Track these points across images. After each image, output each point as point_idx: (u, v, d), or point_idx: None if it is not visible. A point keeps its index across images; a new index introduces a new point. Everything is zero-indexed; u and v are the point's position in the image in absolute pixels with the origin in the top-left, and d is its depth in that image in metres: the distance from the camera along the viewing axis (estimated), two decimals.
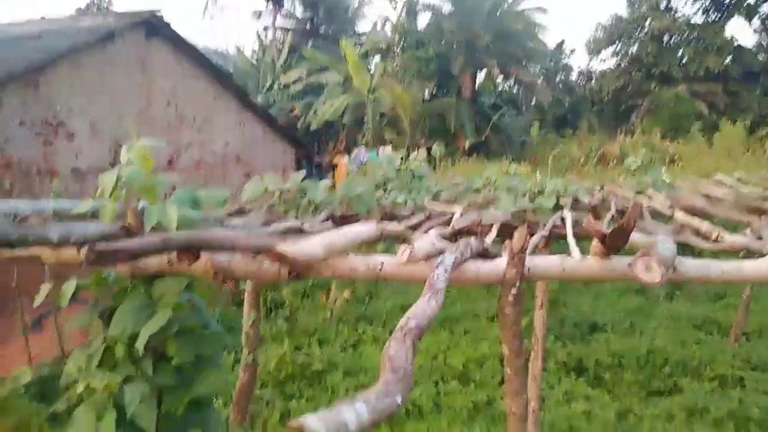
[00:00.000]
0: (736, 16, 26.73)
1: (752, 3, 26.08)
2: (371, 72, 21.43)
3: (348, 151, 19.48)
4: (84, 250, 1.37)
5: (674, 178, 7.38)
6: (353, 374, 5.23)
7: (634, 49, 28.21)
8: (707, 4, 27.82)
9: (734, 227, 3.08)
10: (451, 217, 3.64)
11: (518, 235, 1.66)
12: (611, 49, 29.71)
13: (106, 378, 1.89)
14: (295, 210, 3.94)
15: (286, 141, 12.74)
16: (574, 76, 32.82)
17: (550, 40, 31.68)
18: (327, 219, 3.45)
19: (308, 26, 29.60)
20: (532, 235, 2.74)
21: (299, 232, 2.43)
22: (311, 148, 19.08)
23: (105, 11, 8.73)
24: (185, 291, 1.89)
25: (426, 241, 1.76)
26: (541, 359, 3.91)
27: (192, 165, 9.39)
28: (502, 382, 5.00)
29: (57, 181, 6.29)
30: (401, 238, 2.33)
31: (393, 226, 2.13)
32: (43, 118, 6.97)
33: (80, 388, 1.94)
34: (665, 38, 27.53)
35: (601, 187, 6.59)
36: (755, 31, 27.49)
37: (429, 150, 15.10)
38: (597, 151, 19.00)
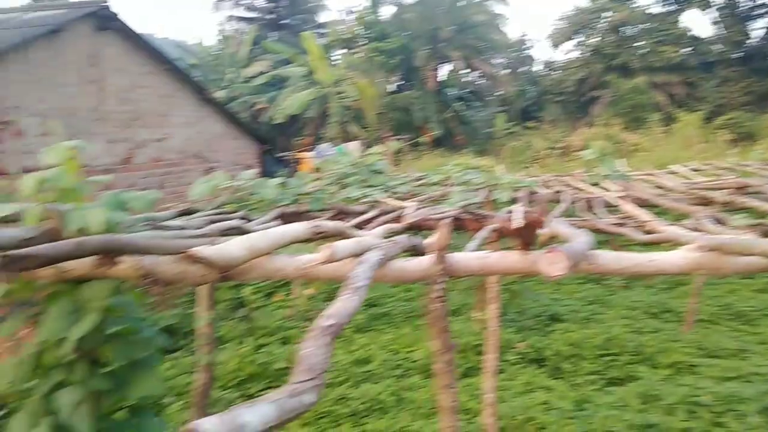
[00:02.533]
0: (692, 7, 27.39)
1: None
2: (335, 64, 21.31)
3: (313, 146, 19.36)
4: None
5: (633, 169, 7.53)
6: None
7: (595, 40, 28.69)
8: None
9: (683, 218, 3.15)
10: (402, 213, 3.64)
11: (441, 232, 1.67)
12: (574, 40, 30.19)
13: (38, 385, 1.84)
14: (245, 208, 3.89)
15: (249, 136, 12.59)
16: (537, 68, 33.27)
17: (512, 32, 32.02)
18: (277, 217, 3.42)
19: (270, 17, 29.26)
20: (480, 228, 2.76)
21: (240, 231, 2.39)
22: (275, 143, 18.87)
23: (54, 3, 8.43)
24: (118, 295, 1.85)
25: (351, 240, 1.76)
26: (497, 352, 3.95)
27: (149, 163, 9.19)
28: (464, 375, 5.05)
29: (6, 182, 6.07)
30: (342, 237, 2.32)
31: (330, 225, 2.11)
32: None
33: (12, 397, 1.89)
34: (625, 29, 28.06)
35: (558, 180, 6.70)
36: (713, 22, 28.24)
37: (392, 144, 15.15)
38: (560, 142, 19.28)
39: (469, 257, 1.74)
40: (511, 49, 31.45)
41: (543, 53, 74.00)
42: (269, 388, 4.94)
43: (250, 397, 4.83)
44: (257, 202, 3.90)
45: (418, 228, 3.28)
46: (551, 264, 1.36)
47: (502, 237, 3.33)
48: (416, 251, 1.79)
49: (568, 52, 30.85)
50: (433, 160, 16.44)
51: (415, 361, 5.36)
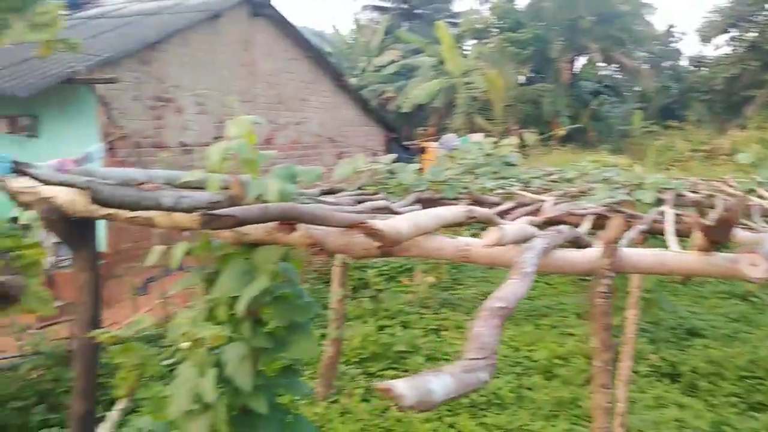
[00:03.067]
0: None
1: None
2: (465, 55, 21.13)
3: (437, 135, 19.39)
4: (197, 215, 1.47)
5: None
6: (435, 359, 5.26)
7: (752, 35, 25.94)
8: None
9: None
10: (541, 206, 3.55)
11: (614, 223, 1.61)
12: (727, 35, 27.52)
13: (211, 333, 2.02)
14: (383, 191, 4.00)
15: (378, 123, 12.88)
16: (683, 63, 30.76)
17: (659, 24, 29.85)
18: (415, 201, 3.48)
19: (405, 7, 29.55)
20: (628, 228, 2.64)
21: (388, 211, 2.47)
22: (401, 131, 19.14)
23: None
24: (281, 262, 1.99)
25: (516, 225, 1.74)
26: (631, 360, 3.77)
27: (288, 144, 9.71)
28: (588, 381, 4.86)
29: (166, 154, 6.72)
30: (489, 223, 2.32)
31: (481, 211, 2.11)
32: (154, 94, 7.45)
33: (184, 344, 2.10)
34: None
35: (707, 184, 6.17)
36: None
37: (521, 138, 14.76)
38: (704, 145, 17.74)
39: (642, 254, 1.66)
40: (655, 42, 29.35)
41: (690, 48, 68.25)
42: (390, 368, 5.06)
43: (371, 375, 4.99)
44: (395, 186, 3.99)
45: (557, 223, 3.19)
46: (752, 266, 1.27)
47: (650, 237, 3.16)
48: (578, 243, 1.74)
49: (720, 47, 28.20)
50: (563, 156, 15.82)
51: (535, 361, 5.24)
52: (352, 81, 21.90)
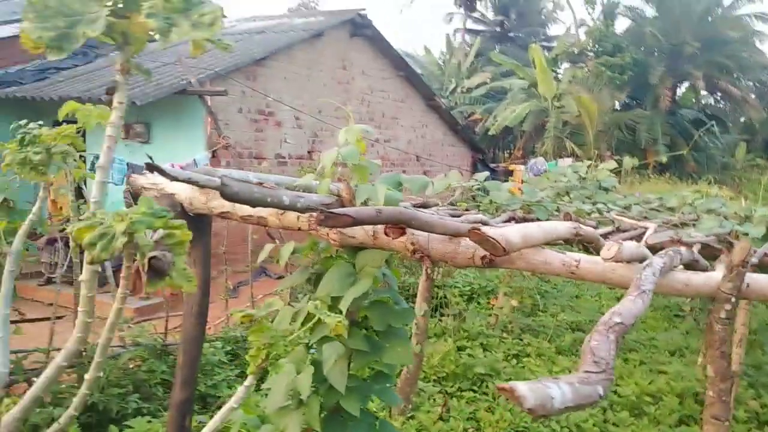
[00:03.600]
0: None
1: None
2: (558, 78, 20.74)
3: (525, 158, 19.08)
4: (312, 215, 1.55)
5: None
6: None
7: None
8: None
9: None
10: (643, 233, 3.43)
11: (740, 247, 1.54)
12: None
13: (332, 320, 2.09)
14: (475, 208, 4.00)
15: (465, 144, 12.88)
16: None
17: None
18: (508, 220, 3.46)
19: (498, 30, 29.49)
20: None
21: (485, 225, 2.49)
22: (488, 153, 19.01)
23: (313, 10, 9.65)
24: (382, 268, 2.05)
25: (633, 244, 1.71)
26: (732, 400, 3.52)
27: (377, 160, 9.91)
28: (680, 422, 4.59)
29: (265, 164, 7.05)
30: (594, 244, 2.27)
31: (588, 230, 2.08)
32: (257, 108, 7.86)
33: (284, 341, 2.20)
34: None
35: None
36: None
37: (618, 163, 14.21)
38: None
39: None
40: (765, 71, 27.52)
41: None
42: (469, 390, 4.99)
43: (449, 394, 4.95)
44: (487, 204, 3.98)
45: (659, 250, 3.07)
46: None
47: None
48: (696, 267, 1.68)
49: None
50: (659, 185, 15.13)
51: (622, 396, 5.00)
52: (443, 102, 22.11)
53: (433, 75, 26.20)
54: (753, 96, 26.26)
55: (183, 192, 2.21)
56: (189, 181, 1.96)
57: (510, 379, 5.22)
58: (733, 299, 1.55)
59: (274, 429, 2.12)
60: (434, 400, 4.76)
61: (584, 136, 19.97)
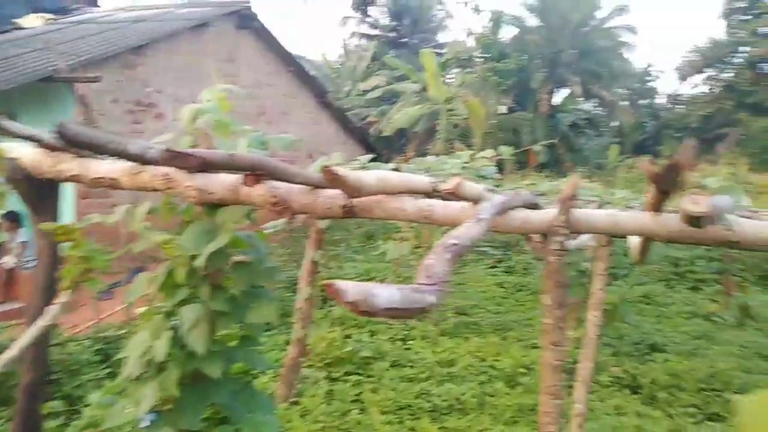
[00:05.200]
0: None
1: None
2: (449, 83, 21.52)
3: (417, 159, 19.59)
4: (162, 155, 1.52)
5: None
6: (400, 366, 5.28)
7: (728, 75, 26.90)
8: None
9: None
10: None
11: (570, 182, 1.69)
12: (704, 74, 28.48)
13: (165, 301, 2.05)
14: None
15: (358, 143, 13.01)
16: (659, 100, 31.67)
17: (637, 61, 30.79)
18: None
19: (393, 35, 30.10)
20: None
21: None
22: (382, 153, 19.32)
23: (203, 1, 9.40)
24: (246, 231, 2.04)
25: (480, 186, 1.82)
26: (591, 362, 3.83)
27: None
28: None
29: None
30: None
31: (446, 186, 2.19)
32: (135, 98, 7.48)
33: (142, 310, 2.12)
34: (763, 66, 26.08)
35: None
36: None
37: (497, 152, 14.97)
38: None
39: (597, 213, 1.75)
40: (634, 80, 30.22)
41: (667, 85, 70.17)
42: (354, 374, 5.06)
43: (335, 379, 4.98)
44: None
45: None
46: (694, 204, 1.35)
47: None
48: (537, 209, 1.83)
49: (696, 86, 29.16)
50: (538, 180, 16.06)
51: (500, 369, 5.28)
52: (338, 104, 22.20)
53: (330, 78, 26.27)
54: (624, 102, 28.72)
55: (27, 155, 2.07)
56: (31, 138, 1.84)
57: (396, 361, 5.35)
58: (564, 232, 1.70)
59: (129, 401, 2.03)
60: (319, 385, 4.77)
61: (473, 138, 20.85)
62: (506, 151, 9.27)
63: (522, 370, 5.20)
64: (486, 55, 23.47)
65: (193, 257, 1.91)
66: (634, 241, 2.48)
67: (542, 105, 22.85)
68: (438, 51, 28.49)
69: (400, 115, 21.09)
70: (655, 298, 7.93)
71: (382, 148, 22.08)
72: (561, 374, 1.77)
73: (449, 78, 24.13)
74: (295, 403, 4.44)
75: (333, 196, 1.80)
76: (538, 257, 9.74)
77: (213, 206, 1.96)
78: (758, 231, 1.56)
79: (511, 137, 22.10)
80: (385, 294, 0.91)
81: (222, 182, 1.84)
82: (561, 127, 23.05)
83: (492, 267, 9.49)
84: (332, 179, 1.53)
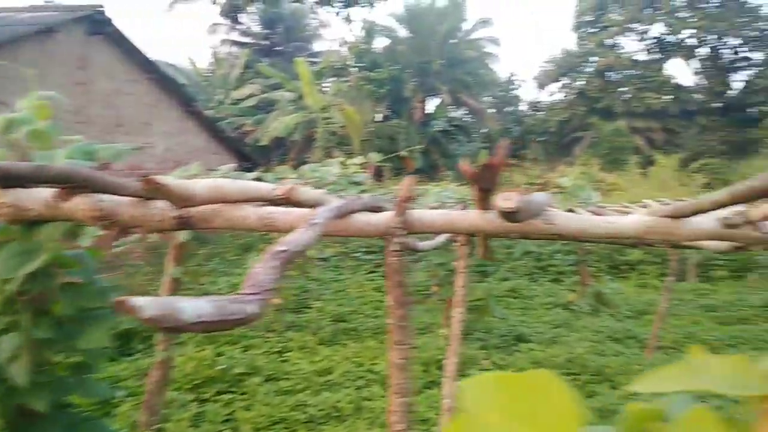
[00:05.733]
0: (676, 56, 28.36)
1: (690, 45, 27.78)
2: (325, 91, 21.61)
3: (296, 167, 19.45)
4: None
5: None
6: (275, 379, 5.16)
7: (580, 83, 29.47)
8: (650, 43, 29.44)
9: None
10: None
11: (405, 184, 1.72)
12: (560, 83, 30.99)
13: None
14: None
15: (231, 153, 12.63)
16: (523, 107, 33.99)
17: (502, 71, 32.76)
18: None
19: (266, 43, 29.68)
20: None
21: None
22: (259, 162, 18.94)
23: (51, 5, 8.64)
24: (74, 249, 1.87)
25: (318, 192, 1.81)
26: (456, 357, 3.98)
27: (127, 170, 9.18)
28: (425, 387, 5.04)
29: None
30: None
31: (279, 190, 2.16)
32: None
33: None
34: (610, 74, 28.88)
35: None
36: (695, 72, 29.20)
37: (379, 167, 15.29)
38: (539, 178, 19.62)
39: (432, 213, 1.79)
40: (499, 88, 32.18)
41: (529, 94, 75.51)
42: (227, 392, 4.86)
43: (204, 400, 4.76)
44: None
45: None
46: (505, 200, 1.41)
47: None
48: (381, 211, 1.84)
49: (553, 93, 31.65)
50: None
51: (377, 373, 5.34)
52: (209, 113, 21.43)
53: (200, 86, 25.38)
54: (492, 110, 30.49)
55: None
56: None
57: (271, 375, 5.22)
58: (401, 233, 1.73)
59: None
60: (187, 408, 4.53)
61: (350, 146, 21.09)
62: (374, 157, 9.45)
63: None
64: (360, 65, 23.86)
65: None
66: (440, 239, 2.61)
67: (416, 113, 23.66)
68: (313, 60, 28.57)
69: (277, 124, 20.86)
70: (521, 292, 8.45)
71: (259, 157, 21.67)
72: (407, 372, 1.81)
73: (325, 86, 24.24)
74: (159, 430, 4.18)
75: (165, 207, 1.71)
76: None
77: (31, 224, 1.79)
78: (575, 223, 1.69)
79: (387, 144, 22.64)
80: (191, 307, 0.85)
81: (38, 197, 1.68)
82: (434, 134, 23.98)
83: (371, 272, 9.61)
84: (154, 189, 1.44)
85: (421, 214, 1.81)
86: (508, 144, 1.64)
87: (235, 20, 28.50)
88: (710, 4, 27.20)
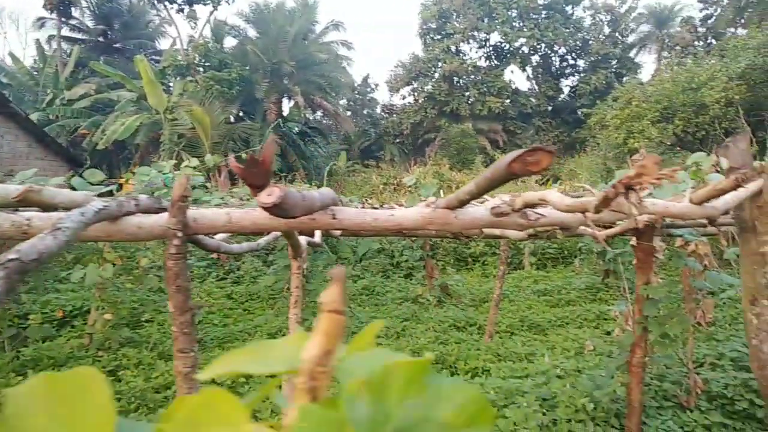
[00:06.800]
0: (514, 63, 30.66)
1: (525, 53, 30.19)
2: (170, 91, 20.42)
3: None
4: None
5: None
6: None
7: (429, 87, 30.79)
8: (489, 51, 31.55)
9: None
10: None
11: (178, 183, 1.57)
12: (411, 86, 32.11)
13: None
14: None
15: (59, 158, 11.47)
16: (378, 110, 34.79)
17: (357, 74, 33.23)
18: None
19: (102, 40, 27.43)
20: None
21: None
22: (98, 168, 17.43)
23: None
24: None
25: (70, 192, 1.60)
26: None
27: None
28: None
29: None
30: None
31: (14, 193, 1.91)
32: None
33: None
34: (455, 79, 30.48)
35: (381, 206, 6.90)
36: (528, 77, 31.80)
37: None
38: (394, 179, 20.17)
39: (213, 213, 1.65)
40: (355, 91, 32.63)
41: (385, 96, 77.77)
42: None
43: None
44: None
45: None
46: (267, 195, 1.32)
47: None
48: (160, 212, 1.66)
49: (405, 97, 32.74)
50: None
51: (218, 383, 5.07)
52: (35, 115, 19.27)
53: (26, 85, 22.82)
54: (348, 112, 30.82)
55: None
56: None
57: None
58: (180, 235, 1.58)
59: None
60: None
61: (201, 148, 20.12)
62: (210, 160, 9.06)
63: (242, 379, 5.06)
64: (206, 64, 22.91)
65: None
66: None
67: (270, 114, 23.19)
68: (157, 58, 26.98)
69: (117, 126, 19.30)
70: (375, 289, 8.54)
71: (97, 161, 19.93)
72: (193, 380, 1.66)
73: (170, 86, 22.96)
74: None
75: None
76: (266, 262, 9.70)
77: None
78: (354, 217, 1.66)
79: (242, 146, 21.94)
80: None
81: None
82: (291, 136, 23.68)
83: (221, 279, 9.19)
84: None
85: (200, 214, 1.67)
86: (274, 139, 1.57)
87: (65, 14, 25.95)
88: (540, 16, 29.79)
